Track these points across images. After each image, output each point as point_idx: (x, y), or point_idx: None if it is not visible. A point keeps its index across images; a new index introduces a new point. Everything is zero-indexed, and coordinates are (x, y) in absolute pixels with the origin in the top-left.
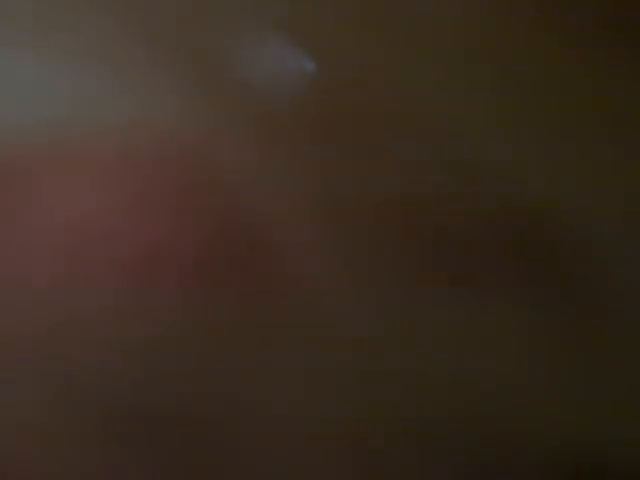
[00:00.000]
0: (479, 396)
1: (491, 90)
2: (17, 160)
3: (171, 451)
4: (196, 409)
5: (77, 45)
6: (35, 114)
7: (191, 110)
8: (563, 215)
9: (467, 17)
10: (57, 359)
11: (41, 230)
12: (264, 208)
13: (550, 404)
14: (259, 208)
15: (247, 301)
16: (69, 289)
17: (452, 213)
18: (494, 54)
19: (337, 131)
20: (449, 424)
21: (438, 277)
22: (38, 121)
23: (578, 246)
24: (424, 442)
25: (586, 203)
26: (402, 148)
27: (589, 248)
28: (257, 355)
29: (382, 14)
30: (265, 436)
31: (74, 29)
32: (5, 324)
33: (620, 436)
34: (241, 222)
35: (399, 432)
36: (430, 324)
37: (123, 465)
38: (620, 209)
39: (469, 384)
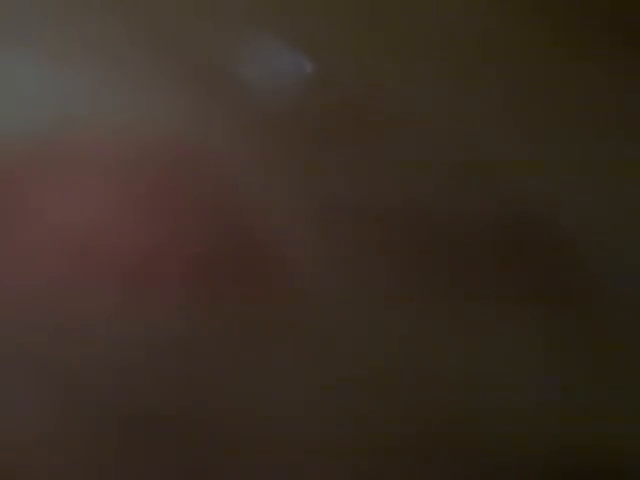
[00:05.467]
0: (479, 396)
1: (491, 90)
2: (17, 161)
3: (171, 451)
4: (196, 409)
5: (76, 46)
6: (35, 115)
7: (191, 111)
8: (563, 215)
9: (467, 17)
10: (57, 359)
11: (41, 231)
12: (264, 208)
13: (550, 404)
14: (259, 208)
15: (247, 301)
16: (69, 289)
17: (452, 213)
18: (494, 54)
19: (337, 131)
20: (449, 424)
21: (438, 278)
22: (38, 122)
23: (578, 246)
24: (424, 442)
25: (586, 203)
26: (402, 148)
27: (589, 248)
28: (257, 355)
29: (382, 14)
30: (265, 436)
31: (73, 30)
32: (5, 324)
33: (620, 436)
34: (241, 223)
35: (399, 432)
36: (430, 325)
37: (123, 465)
38: (620, 209)
39: (469, 384)
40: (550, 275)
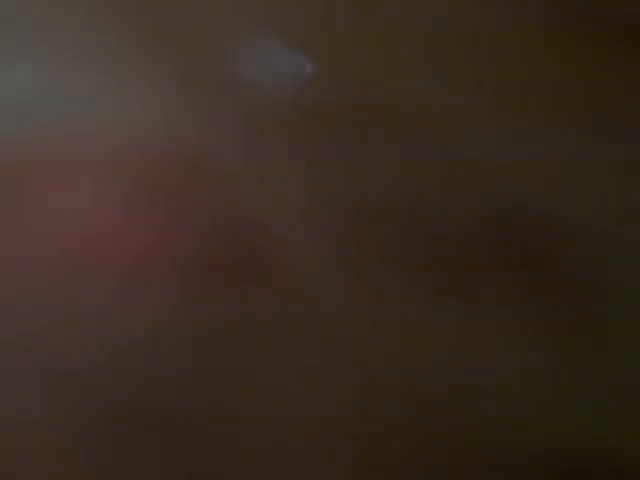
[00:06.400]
0: (479, 396)
1: (491, 90)
2: (15, 161)
3: (171, 451)
4: (196, 409)
5: (74, 47)
6: (34, 117)
7: (189, 110)
8: (563, 215)
9: (466, 17)
10: (56, 359)
11: (39, 230)
12: (263, 208)
13: (550, 404)
14: (258, 208)
15: (246, 301)
16: (68, 289)
17: (452, 213)
18: (494, 54)
19: (336, 131)
20: (449, 424)
21: (437, 277)
22: (37, 124)
23: (578, 246)
24: (424, 442)
25: (586, 203)
26: (401, 148)
27: (589, 248)
28: (257, 355)
29: (382, 14)
30: (265, 436)
31: (70, 31)
32: (4, 323)
33: (620, 436)
34: (240, 222)
35: (399, 432)
36: (430, 324)
37: (122, 465)
38: (620, 209)
39: (469, 384)
40: (550, 275)
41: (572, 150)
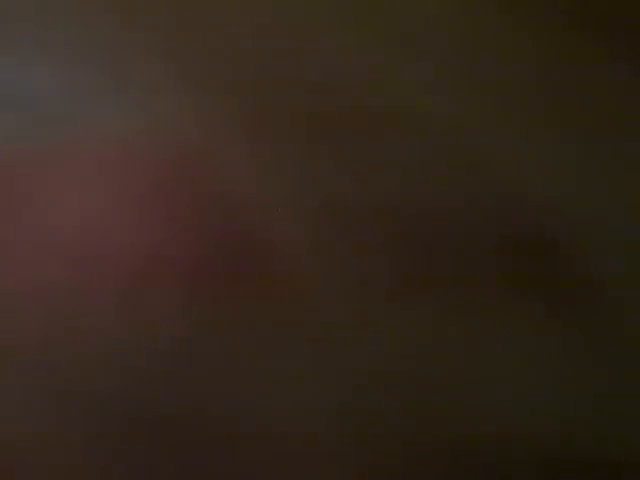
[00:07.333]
0: (479, 396)
1: (491, 90)
2: (18, 161)
3: (171, 451)
4: (196, 409)
5: (77, 47)
6: (35, 116)
7: (190, 112)
8: (563, 215)
9: (465, 17)
10: (57, 359)
11: (41, 231)
12: (264, 208)
13: (550, 404)
14: (259, 208)
15: (247, 301)
16: (69, 290)
17: (452, 213)
18: (493, 54)
19: (336, 131)
20: (449, 424)
21: (438, 277)
22: (38, 123)
23: (578, 246)
24: (424, 442)
25: (586, 203)
26: (401, 148)
27: (589, 248)
28: (257, 355)
29: (383, 14)
30: (265, 436)
31: (74, 32)
32: (5, 324)
33: (619, 436)
34: (241, 223)
35: (399, 432)
36: (430, 324)
37: (123, 465)
38: (620, 209)
39: (469, 384)
40: (550, 275)
41: (572, 150)
